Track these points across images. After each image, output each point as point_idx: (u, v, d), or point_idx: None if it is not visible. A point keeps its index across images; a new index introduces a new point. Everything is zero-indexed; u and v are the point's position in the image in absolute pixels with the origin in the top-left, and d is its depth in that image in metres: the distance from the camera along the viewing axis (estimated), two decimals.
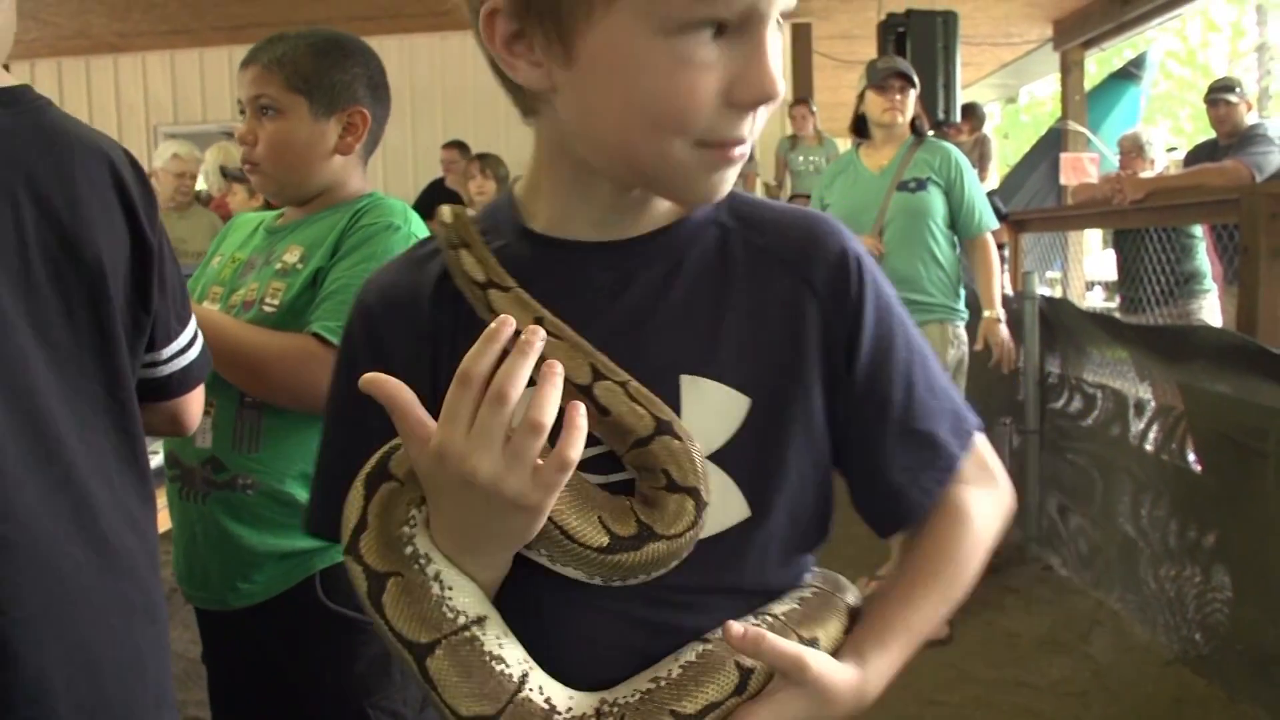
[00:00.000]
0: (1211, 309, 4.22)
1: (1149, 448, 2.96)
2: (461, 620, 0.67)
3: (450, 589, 0.68)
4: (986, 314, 3.25)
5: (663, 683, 0.69)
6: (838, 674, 0.69)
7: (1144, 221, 4.02)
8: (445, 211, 0.77)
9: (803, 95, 7.22)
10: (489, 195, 4.80)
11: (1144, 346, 3.01)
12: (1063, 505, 3.55)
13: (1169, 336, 3.04)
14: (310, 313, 1.39)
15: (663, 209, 0.77)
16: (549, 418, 0.63)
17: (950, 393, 0.80)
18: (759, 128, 0.70)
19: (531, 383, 0.64)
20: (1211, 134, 4.65)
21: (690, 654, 0.71)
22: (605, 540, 0.68)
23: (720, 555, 0.73)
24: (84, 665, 0.92)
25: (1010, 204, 5.89)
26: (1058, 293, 5.37)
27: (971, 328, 3.23)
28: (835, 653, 0.72)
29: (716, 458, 0.72)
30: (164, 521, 1.45)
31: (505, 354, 0.64)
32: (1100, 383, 3.34)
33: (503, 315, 0.66)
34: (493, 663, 0.67)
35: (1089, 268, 6.43)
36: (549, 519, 0.67)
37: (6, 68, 1.02)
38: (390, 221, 1.45)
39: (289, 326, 1.39)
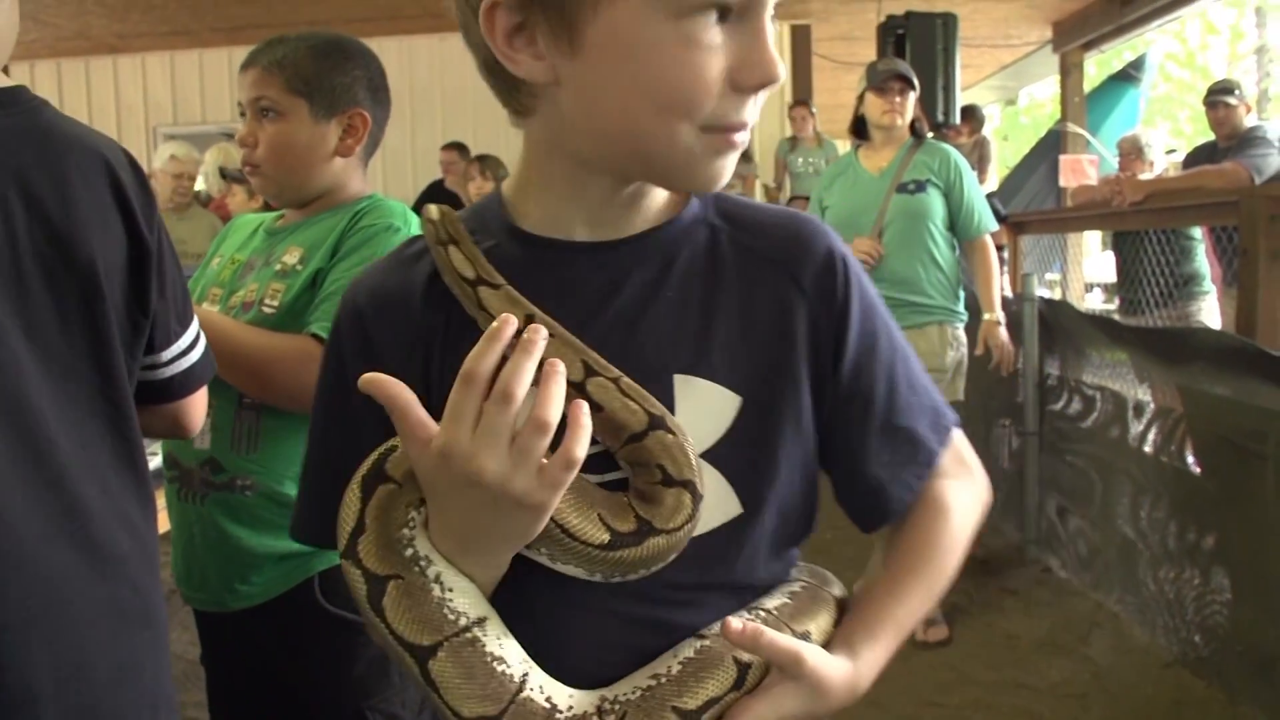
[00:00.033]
0: (1211, 311, 4.22)
1: (1148, 450, 2.96)
2: (463, 622, 0.68)
3: (451, 590, 0.68)
4: (986, 317, 3.25)
5: (663, 679, 0.70)
6: (832, 667, 0.70)
7: (1143, 223, 4.02)
8: (432, 209, 0.77)
9: (802, 97, 7.23)
10: None
11: (1143, 348, 3.01)
12: (1062, 507, 3.55)
13: (1168, 338, 3.04)
14: (309, 314, 1.39)
15: (653, 210, 0.78)
16: (555, 416, 0.64)
17: (929, 390, 0.82)
18: (756, 115, 0.71)
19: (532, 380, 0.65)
20: (1211, 136, 4.65)
21: (688, 650, 0.71)
22: (606, 537, 0.68)
23: (713, 552, 0.74)
24: (73, 670, 0.90)
25: (1009, 206, 5.90)
26: (1057, 295, 5.37)
27: (971, 330, 3.23)
28: (826, 645, 0.74)
29: (709, 456, 0.73)
30: (163, 523, 1.45)
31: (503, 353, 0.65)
32: (1099, 385, 3.34)
33: (504, 315, 0.66)
34: (494, 663, 0.68)
35: (1088, 270, 6.43)
36: (550, 518, 0.67)
37: (5, 70, 1.01)
38: (390, 223, 1.45)
39: (288, 328, 1.39)
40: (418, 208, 1.06)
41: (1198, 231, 4.18)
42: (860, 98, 3.23)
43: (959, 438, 0.83)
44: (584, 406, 0.65)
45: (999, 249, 3.92)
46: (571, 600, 0.72)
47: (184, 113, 8.15)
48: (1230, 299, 3.79)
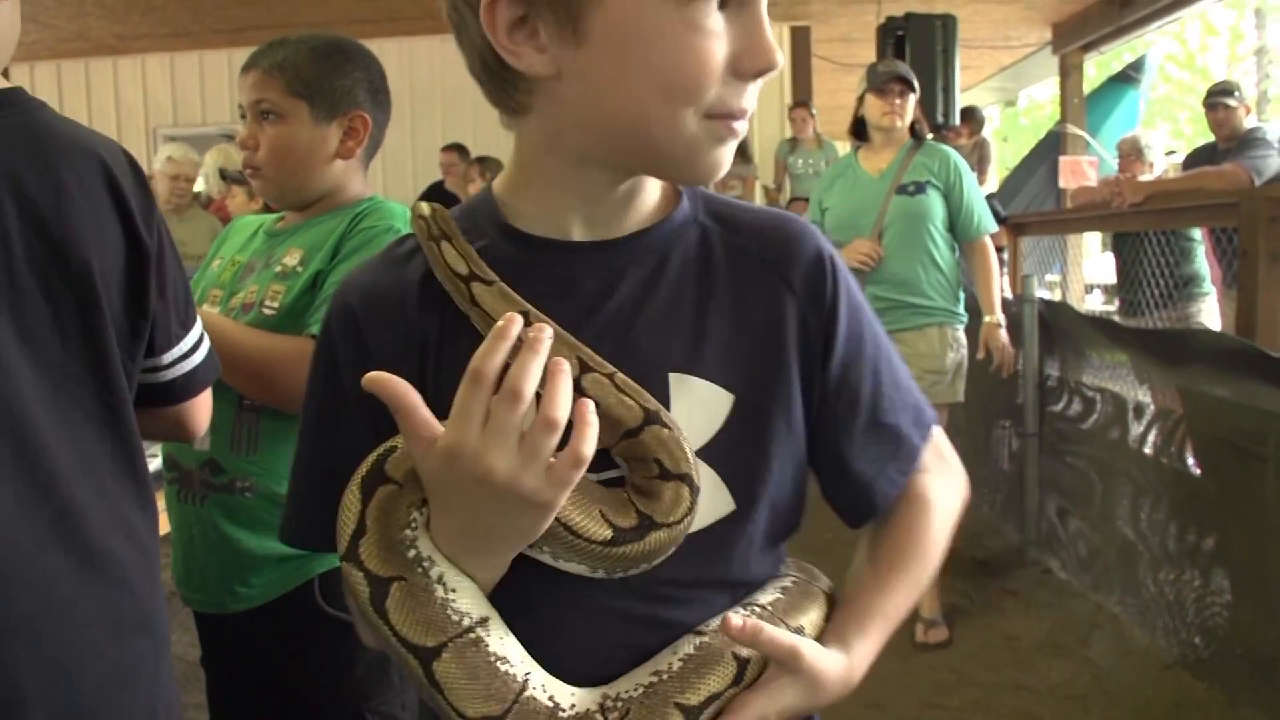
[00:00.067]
0: (1210, 312, 4.22)
1: (1148, 451, 2.96)
2: (466, 622, 0.68)
3: (454, 591, 0.68)
4: (987, 319, 3.25)
5: (664, 676, 0.70)
6: (827, 662, 0.72)
7: (1143, 225, 4.02)
8: (423, 206, 0.77)
9: (802, 98, 7.23)
10: None
11: (1143, 350, 3.01)
12: (1062, 508, 3.55)
13: (1168, 340, 3.04)
14: (309, 315, 1.39)
15: (645, 210, 0.78)
16: (564, 414, 0.64)
17: (911, 387, 0.84)
18: (754, 104, 0.72)
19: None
20: (1210, 137, 4.66)
21: (688, 647, 0.72)
22: (609, 533, 0.68)
23: (707, 549, 0.74)
24: (62, 676, 0.89)
25: (1009, 207, 5.90)
26: (1057, 296, 5.37)
27: (971, 331, 3.23)
28: (818, 639, 0.75)
29: (702, 453, 0.73)
30: (162, 524, 1.45)
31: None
32: (1099, 386, 3.34)
33: (509, 314, 0.66)
34: (497, 663, 0.68)
35: (1088, 271, 6.43)
36: None
37: (6, 72, 1.01)
38: (390, 225, 1.45)
39: (288, 329, 1.39)
40: None
41: (1197, 233, 4.18)
42: (860, 99, 3.23)
43: (938, 433, 0.85)
44: (590, 405, 0.66)
45: (999, 250, 3.92)
46: (567, 598, 0.73)
47: (184, 114, 8.14)
48: (1230, 300, 3.79)
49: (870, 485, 0.80)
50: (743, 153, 6.69)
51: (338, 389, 0.77)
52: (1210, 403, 2.64)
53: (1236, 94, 4.50)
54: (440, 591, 0.68)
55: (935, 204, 3.10)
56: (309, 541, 0.82)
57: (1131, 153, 4.91)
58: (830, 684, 0.72)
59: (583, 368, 0.70)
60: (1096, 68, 8.98)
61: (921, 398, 0.84)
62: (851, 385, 0.79)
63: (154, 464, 1.36)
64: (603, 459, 0.72)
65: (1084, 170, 6.05)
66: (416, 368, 0.75)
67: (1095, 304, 7.04)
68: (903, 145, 3.19)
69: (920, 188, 3.10)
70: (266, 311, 1.42)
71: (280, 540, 0.83)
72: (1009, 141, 15.63)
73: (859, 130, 3.28)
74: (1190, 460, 2.75)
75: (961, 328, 3.17)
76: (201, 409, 1.14)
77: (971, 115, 6.78)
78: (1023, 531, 3.74)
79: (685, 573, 0.74)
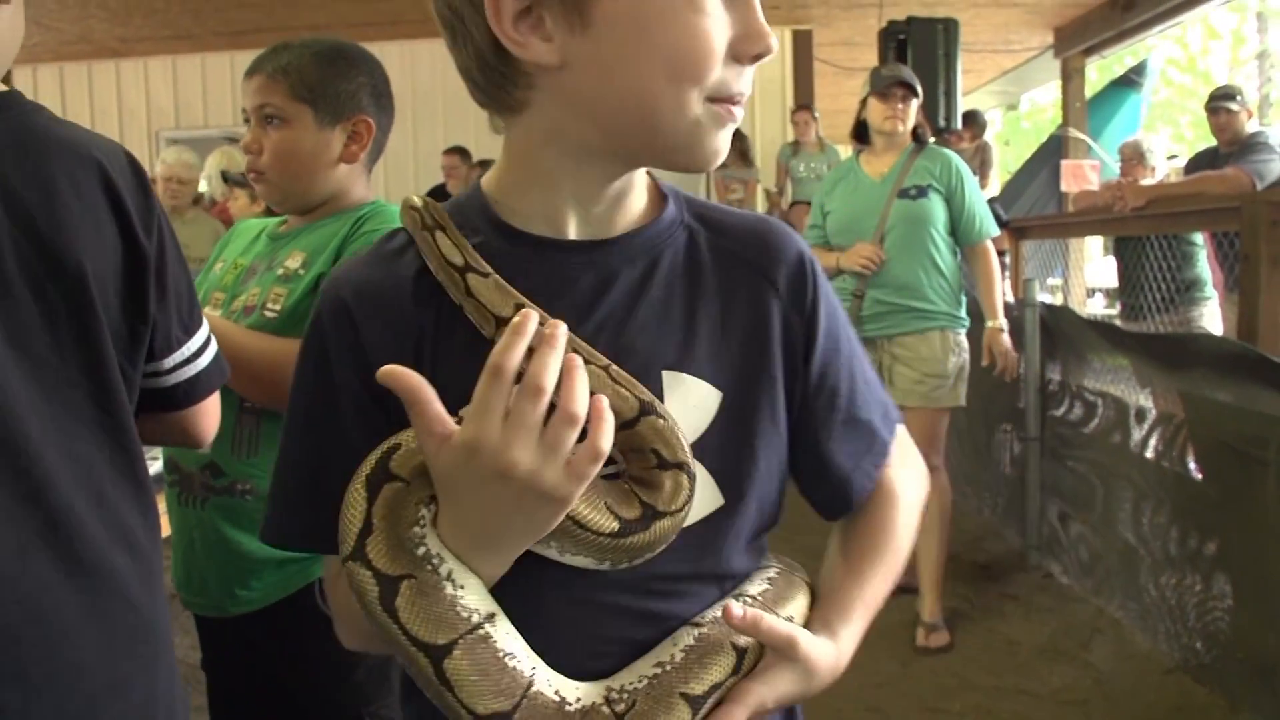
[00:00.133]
0: (1212, 316, 4.22)
1: (1150, 455, 2.96)
2: (475, 619, 0.68)
3: (463, 588, 0.68)
4: (990, 324, 3.25)
5: (667, 667, 0.72)
6: (820, 649, 0.75)
7: (1145, 229, 4.02)
8: (414, 198, 0.78)
9: (804, 102, 7.23)
10: None
11: (1145, 354, 3.01)
12: (1063, 513, 3.55)
13: (1170, 344, 3.04)
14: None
15: (635, 211, 0.80)
16: (583, 409, 0.66)
17: (878, 384, 0.88)
18: (750, 89, 0.75)
19: None
20: (1212, 141, 4.66)
21: (688, 638, 0.74)
22: (616, 525, 0.69)
23: (698, 543, 0.76)
24: (48, 685, 0.87)
25: (1011, 211, 5.89)
26: (1058, 300, 5.37)
27: (972, 335, 3.23)
28: (806, 627, 0.77)
29: (693, 450, 0.74)
30: (163, 527, 1.44)
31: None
32: (1101, 390, 3.34)
33: (525, 310, 0.68)
34: (506, 659, 0.68)
35: (1090, 275, 6.43)
36: None
37: (9, 75, 1.00)
38: (392, 228, 1.45)
39: (290, 332, 1.39)
40: None
41: (1199, 237, 4.18)
42: (863, 103, 3.23)
43: (901, 429, 0.89)
44: (605, 400, 0.67)
45: (1000, 254, 3.91)
46: (562, 593, 0.73)
47: (186, 117, 8.16)
48: (1232, 304, 3.79)
49: (848, 479, 0.83)
50: (744, 156, 6.70)
51: (329, 385, 0.76)
52: (1212, 407, 2.64)
53: (1238, 98, 4.50)
54: (449, 589, 0.68)
55: (937, 208, 3.10)
56: (296, 543, 0.80)
57: (1133, 157, 4.91)
58: (822, 671, 0.74)
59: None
60: (1098, 71, 8.98)
61: (886, 394, 0.88)
62: (830, 382, 0.82)
63: (154, 467, 1.36)
64: None
65: (1086, 174, 6.05)
66: (412, 364, 0.74)
67: (1097, 308, 7.03)
68: (904, 149, 3.19)
69: (922, 191, 3.10)
70: (268, 314, 1.42)
71: (263, 541, 0.80)
72: (1011, 145, 15.63)
73: (861, 134, 3.29)
74: (1192, 465, 2.75)
75: (963, 331, 3.17)
76: (208, 415, 1.11)
77: (973, 119, 6.79)
78: (1024, 536, 3.73)
79: (678, 567, 0.75)
